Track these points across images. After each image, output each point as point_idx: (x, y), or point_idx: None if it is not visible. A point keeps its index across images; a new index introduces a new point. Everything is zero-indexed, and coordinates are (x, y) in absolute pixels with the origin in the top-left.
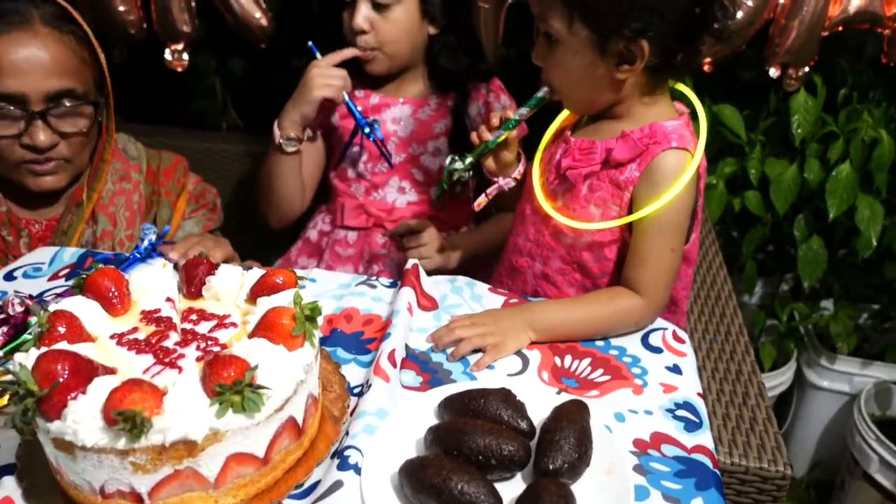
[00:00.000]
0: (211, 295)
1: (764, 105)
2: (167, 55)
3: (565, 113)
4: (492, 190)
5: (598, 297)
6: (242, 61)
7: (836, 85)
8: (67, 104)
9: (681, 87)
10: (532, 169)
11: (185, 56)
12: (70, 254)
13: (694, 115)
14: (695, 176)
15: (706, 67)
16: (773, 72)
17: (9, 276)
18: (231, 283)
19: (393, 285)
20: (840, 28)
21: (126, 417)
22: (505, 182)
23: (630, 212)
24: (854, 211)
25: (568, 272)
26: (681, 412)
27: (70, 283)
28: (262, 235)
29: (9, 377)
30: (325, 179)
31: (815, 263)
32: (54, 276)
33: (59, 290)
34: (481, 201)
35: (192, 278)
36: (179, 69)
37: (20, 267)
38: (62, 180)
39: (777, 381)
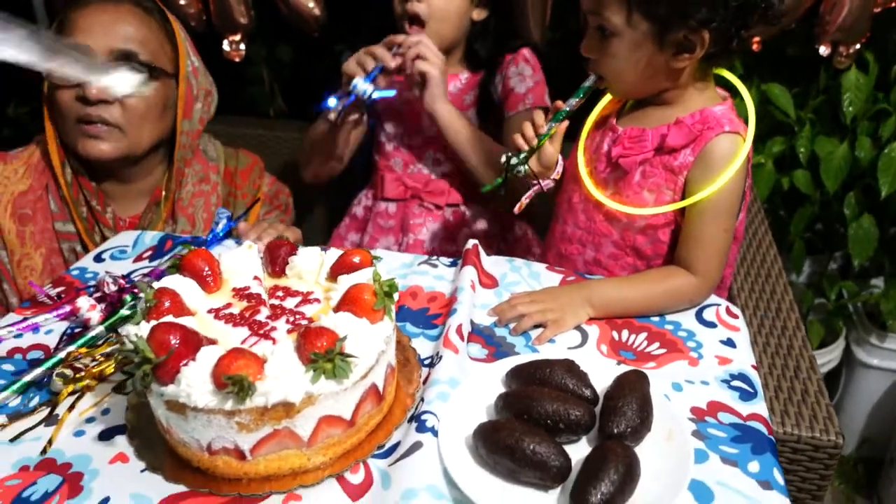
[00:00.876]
0: (294, 273)
1: (813, 83)
2: (225, 46)
3: (606, 100)
4: (531, 192)
5: (654, 275)
6: (289, 49)
7: (889, 61)
8: (128, 65)
9: (725, 72)
10: (577, 158)
11: (242, 46)
12: (151, 237)
13: (736, 98)
14: (746, 158)
15: (755, 47)
16: (824, 50)
17: (98, 258)
18: (312, 262)
19: (453, 265)
20: (893, 3)
21: (234, 381)
22: (545, 184)
23: (683, 195)
24: None
25: (621, 256)
26: (736, 383)
27: (153, 263)
28: (311, 216)
29: (116, 347)
30: (370, 161)
31: (866, 241)
32: (138, 258)
33: (144, 271)
34: (522, 203)
35: (276, 258)
36: (237, 59)
37: (107, 249)
38: (111, 150)
39: (825, 359)
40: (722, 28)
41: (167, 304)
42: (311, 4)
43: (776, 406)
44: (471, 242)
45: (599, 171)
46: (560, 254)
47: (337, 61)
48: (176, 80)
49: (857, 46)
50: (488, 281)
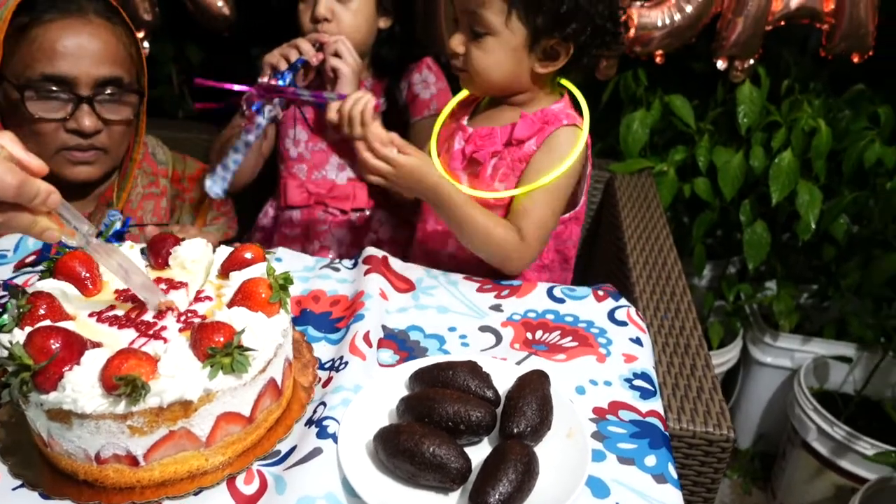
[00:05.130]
0: (177, 264)
1: (712, 95)
2: None
3: (458, 98)
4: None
5: (496, 217)
6: (199, 50)
7: (779, 76)
8: (114, 91)
9: (564, 81)
10: (432, 156)
11: (147, 44)
12: (34, 240)
13: (573, 100)
14: (584, 147)
15: (658, 59)
16: (721, 64)
17: None
18: (195, 251)
19: (355, 265)
20: (783, 22)
21: (126, 382)
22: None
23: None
24: (795, 196)
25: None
26: (638, 382)
27: (38, 268)
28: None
29: None
30: (275, 171)
31: (760, 246)
32: (20, 264)
33: (25, 277)
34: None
35: (159, 251)
36: None
37: None
38: (97, 171)
39: (724, 358)
40: (584, 44)
41: (43, 309)
42: (220, 3)
43: (673, 403)
44: (375, 251)
45: (454, 168)
46: (426, 251)
47: (252, 65)
48: (138, 80)
49: (751, 61)
50: (404, 285)
